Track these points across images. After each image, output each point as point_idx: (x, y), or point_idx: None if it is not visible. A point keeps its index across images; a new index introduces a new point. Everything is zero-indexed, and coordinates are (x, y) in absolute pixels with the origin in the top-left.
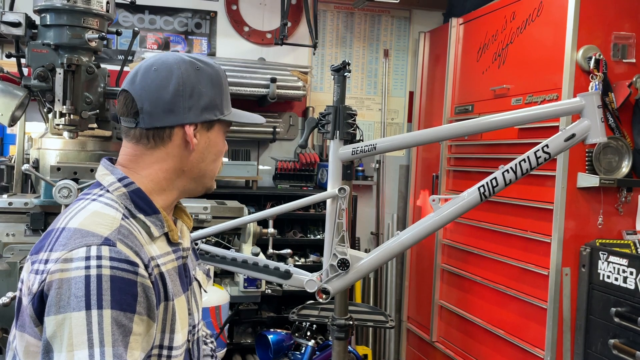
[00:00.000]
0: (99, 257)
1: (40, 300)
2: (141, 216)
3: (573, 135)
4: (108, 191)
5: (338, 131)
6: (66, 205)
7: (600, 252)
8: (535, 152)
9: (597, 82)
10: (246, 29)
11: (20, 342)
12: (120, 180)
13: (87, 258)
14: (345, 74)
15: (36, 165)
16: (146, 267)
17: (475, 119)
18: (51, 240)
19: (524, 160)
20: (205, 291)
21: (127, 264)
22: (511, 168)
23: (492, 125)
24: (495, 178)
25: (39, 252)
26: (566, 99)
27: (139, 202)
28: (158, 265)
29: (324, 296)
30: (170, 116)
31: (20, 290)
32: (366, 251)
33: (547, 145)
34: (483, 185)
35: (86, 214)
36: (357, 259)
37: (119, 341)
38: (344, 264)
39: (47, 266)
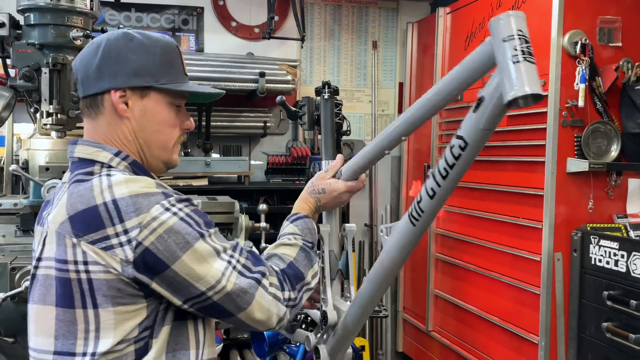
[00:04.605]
0: (173, 205)
1: (141, 266)
2: None
3: (481, 100)
4: (110, 166)
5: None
6: None
7: (591, 237)
8: (450, 148)
9: (583, 67)
10: (233, 24)
11: (100, 318)
12: (117, 154)
13: (167, 209)
14: (325, 95)
15: (25, 166)
16: None
17: (405, 112)
18: (108, 215)
19: (442, 159)
20: None
21: (189, 201)
22: (432, 173)
23: (422, 109)
24: (420, 194)
25: (93, 230)
26: (553, 84)
27: (140, 174)
28: None
29: None
30: (98, 82)
31: (69, 272)
32: (361, 244)
33: (458, 130)
34: (410, 209)
35: (123, 184)
36: (342, 312)
37: (224, 238)
38: (324, 319)
39: (131, 234)
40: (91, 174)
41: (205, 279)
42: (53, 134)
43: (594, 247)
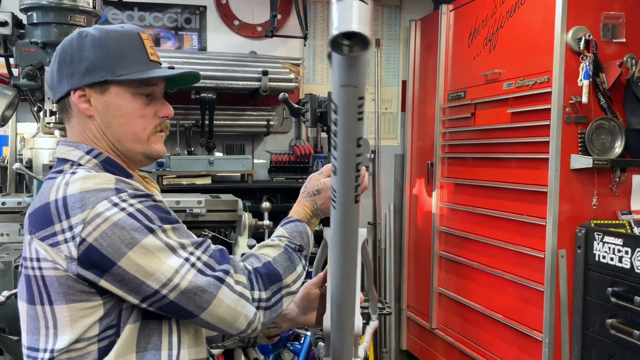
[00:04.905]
0: (124, 201)
1: (86, 263)
2: None
3: (330, 55)
4: (80, 165)
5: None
6: None
7: (595, 233)
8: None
9: (587, 63)
10: (236, 22)
11: (56, 314)
12: (88, 152)
13: (115, 204)
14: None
15: (29, 165)
16: None
17: None
18: (56, 212)
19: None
20: None
21: (148, 196)
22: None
23: None
24: None
25: (43, 227)
26: (557, 81)
27: (112, 170)
28: None
29: None
30: (60, 87)
31: (28, 269)
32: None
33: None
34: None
35: (79, 181)
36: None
37: (188, 235)
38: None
39: (75, 231)
40: (61, 172)
41: (156, 276)
42: (56, 132)
43: (598, 243)
